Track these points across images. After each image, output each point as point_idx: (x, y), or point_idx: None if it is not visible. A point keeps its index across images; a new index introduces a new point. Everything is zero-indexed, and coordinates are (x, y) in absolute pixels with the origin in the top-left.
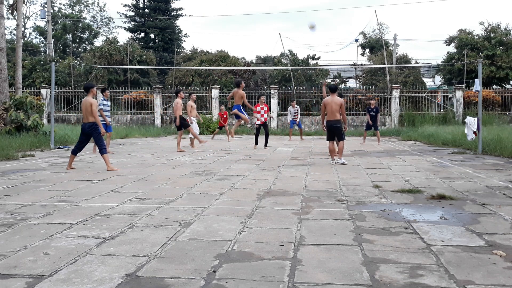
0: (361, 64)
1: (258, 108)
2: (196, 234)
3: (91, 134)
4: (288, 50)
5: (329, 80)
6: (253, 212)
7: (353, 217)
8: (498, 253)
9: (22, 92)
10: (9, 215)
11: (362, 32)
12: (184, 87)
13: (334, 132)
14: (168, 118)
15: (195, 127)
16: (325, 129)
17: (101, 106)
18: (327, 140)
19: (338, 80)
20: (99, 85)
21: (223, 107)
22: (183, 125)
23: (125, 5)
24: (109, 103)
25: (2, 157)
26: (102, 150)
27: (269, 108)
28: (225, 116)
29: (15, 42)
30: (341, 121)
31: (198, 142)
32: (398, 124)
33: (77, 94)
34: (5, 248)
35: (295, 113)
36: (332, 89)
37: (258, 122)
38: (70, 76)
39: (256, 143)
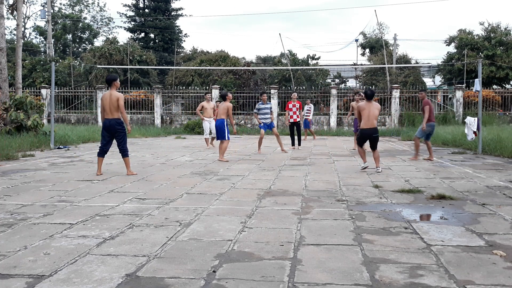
0: (361, 64)
1: (290, 106)
2: (196, 234)
3: (116, 132)
4: (288, 50)
5: (329, 80)
6: (253, 212)
7: (353, 217)
8: (498, 253)
9: (22, 92)
10: (9, 215)
11: (362, 32)
12: (184, 87)
13: (370, 141)
14: (168, 118)
15: (207, 127)
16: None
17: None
18: (358, 145)
19: (338, 80)
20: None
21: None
22: None
23: (125, 5)
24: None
25: (2, 157)
26: (125, 153)
27: (301, 106)
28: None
29: (15, 42)
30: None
31: (209, 144)
32: (398, 124)
33: (77, 94)
34: (5, 248)
35: (307, 110)
36: (369, 96)
37: (292, 120)
38: (70, 76)
39: (293, 144)
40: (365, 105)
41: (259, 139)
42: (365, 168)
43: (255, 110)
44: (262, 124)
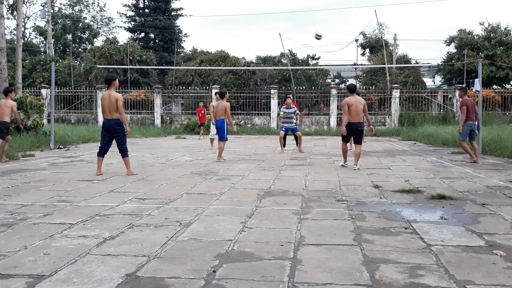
0: (361, 64)
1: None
2: (196, 234)
3: (115, 133)
4: (288, 50)
5: (329, 80)
6: (253, 212)
7: (353, 217)
8: (498, 253)
9: (22, 92)
10: (9, 215)
11: (362, 32)
12: (184, 87)
13: (355, 135)
14: (168, 118)
15: (214, 128)
16: (345, 132)
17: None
18: (342, 140)
19: (338, 80)
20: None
21: (201, 103)
22: None
23: (125, 5)
24: (290, 110)
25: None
26: (125, 153)
27: (298, 108)
28: (202, 112)
29: (15, 42)
30: (364, 124)
31: (212, 144)
32: (398, 124)
33: (77, 94)
34: (5, 248)
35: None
36: (351, 89)
37: None
38: (70, 76)
39: (284, 145)
40: (352, 100)
41: (279, 139)
42: (343, 166)
43: (281, 114)
44: (283, 128)
